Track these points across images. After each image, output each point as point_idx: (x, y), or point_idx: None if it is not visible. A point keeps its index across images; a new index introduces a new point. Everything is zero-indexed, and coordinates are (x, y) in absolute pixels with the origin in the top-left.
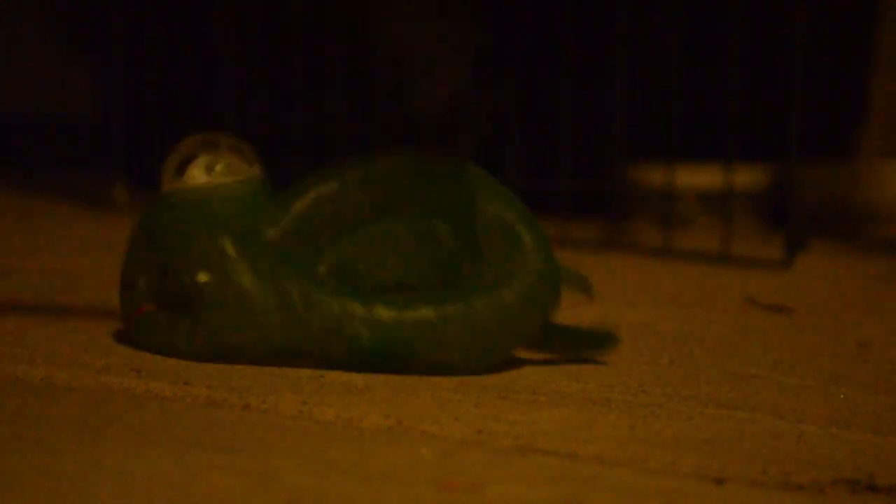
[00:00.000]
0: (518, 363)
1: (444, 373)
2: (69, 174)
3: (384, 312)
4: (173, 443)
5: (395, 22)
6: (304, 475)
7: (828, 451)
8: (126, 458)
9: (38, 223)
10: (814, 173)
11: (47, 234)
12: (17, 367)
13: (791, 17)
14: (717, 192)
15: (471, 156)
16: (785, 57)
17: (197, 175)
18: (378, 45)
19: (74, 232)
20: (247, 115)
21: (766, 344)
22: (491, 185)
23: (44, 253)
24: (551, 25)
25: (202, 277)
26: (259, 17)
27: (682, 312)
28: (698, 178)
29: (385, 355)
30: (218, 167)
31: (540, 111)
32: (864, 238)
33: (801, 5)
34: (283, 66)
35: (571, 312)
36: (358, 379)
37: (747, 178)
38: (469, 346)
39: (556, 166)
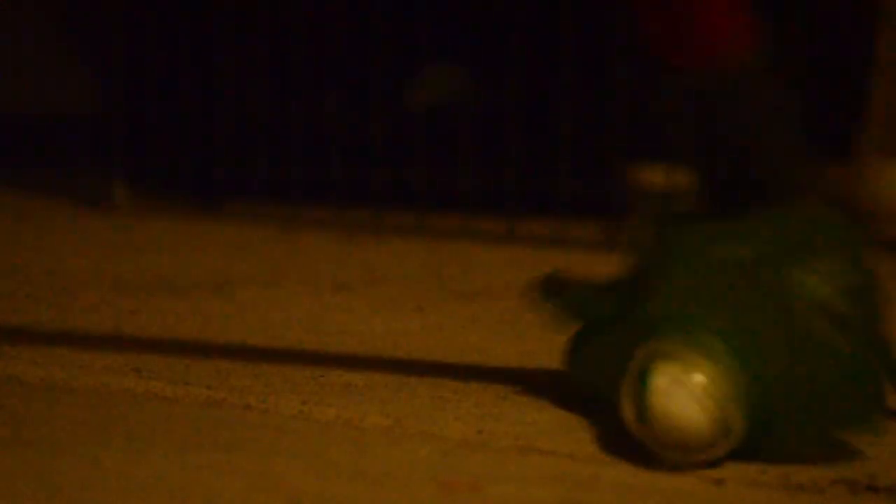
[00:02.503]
0: (518, 363)
1: None
2: (69, 174)
3: None
4: (173, 443)
5: None
6: (304, 475)
7: (828, 451)
8: (126, 458)
9: (38, 223)
10: (813, 173)
11: (47, 234)
12: (17, 367)
13: (791, 17)
14: None
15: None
16: (785, 57)
17: None
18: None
19: (74, 232)
20: (245, 115)
21: None
22: None
23: (44, 253)
24: (552, 26)
25: None
26: (259, 17)
27: None
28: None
29: None
30: None
31: (540, 111)
32: (865, 237)
33: (802, 6)
34: (284, 67)
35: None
36: (358, 379)
37: None
38: None
39: (556, 166)
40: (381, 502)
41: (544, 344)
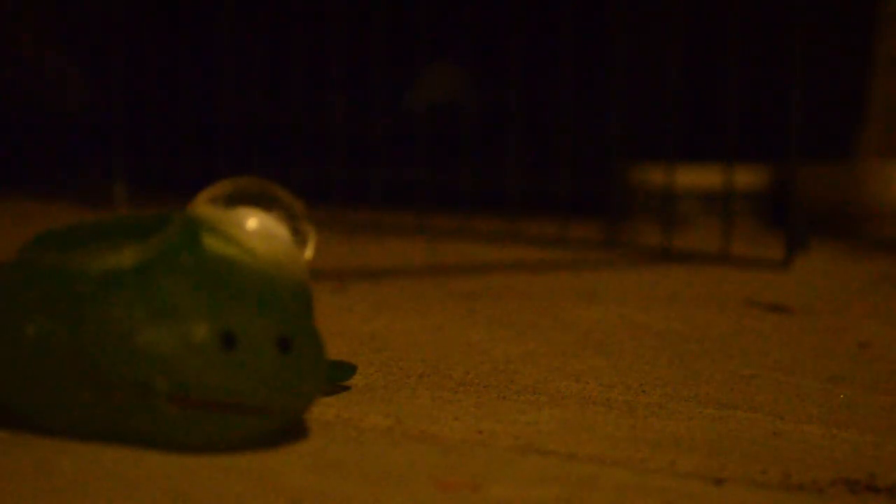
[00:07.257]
0: (518, 363)
1: None
2: (68, 174)
3: None
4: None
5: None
6: (304, 475)
7: (828, 451)
8: (126, 458)
9: (37, 223)
10: (814, 173)
11: None
12: None
13: (791, 18)
14: (717, 192)
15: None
16: (785, 58)
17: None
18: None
19: None
20: (245, 115)
21: (766, 344)
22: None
23: None
24: (552, 26)
25: None
26: (258, 18)
27: (682, 312)
28: (698, 178)
29: None
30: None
31: (540, 112)
32: (864, 238)
33: (802, 7)
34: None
35: (569, 313)
36: (358, 379)
37: (747, 178)
38: None
39: (556, 166)
40: (381, 502)
41: (544, 344)
